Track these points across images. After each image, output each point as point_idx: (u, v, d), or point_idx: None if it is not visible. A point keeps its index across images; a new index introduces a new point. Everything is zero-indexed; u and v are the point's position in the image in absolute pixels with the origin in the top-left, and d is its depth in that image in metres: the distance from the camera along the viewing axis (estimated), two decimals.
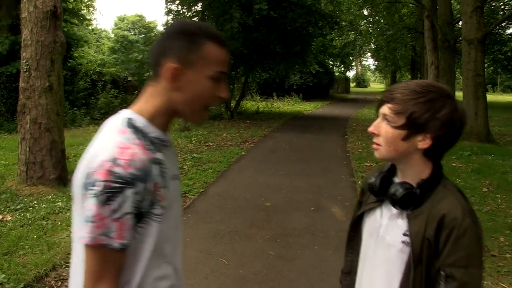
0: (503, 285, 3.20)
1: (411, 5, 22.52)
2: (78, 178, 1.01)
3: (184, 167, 7.04)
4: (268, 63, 16.09)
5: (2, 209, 4.57)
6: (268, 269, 3.49)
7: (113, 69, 16.61)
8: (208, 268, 3.40)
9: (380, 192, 1.19)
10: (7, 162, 6.64)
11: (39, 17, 5.21)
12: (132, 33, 35.95)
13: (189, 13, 15.33)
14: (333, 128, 13.72)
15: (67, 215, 4.41)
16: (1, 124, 10.79)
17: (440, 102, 1.09)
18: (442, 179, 1.15)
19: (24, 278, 3.08)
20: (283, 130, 12.83)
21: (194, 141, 9.74)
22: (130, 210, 0.94)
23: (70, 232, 3.94)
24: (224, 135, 10.80)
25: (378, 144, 1.16)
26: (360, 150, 9.05)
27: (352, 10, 23.15)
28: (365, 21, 28.69)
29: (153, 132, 1.05)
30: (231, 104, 15.68)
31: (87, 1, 21.65)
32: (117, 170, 0.92)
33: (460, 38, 11.43)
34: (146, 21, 37.90)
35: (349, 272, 1.36)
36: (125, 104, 14.82)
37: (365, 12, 26.16)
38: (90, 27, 28.66)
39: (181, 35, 1.03)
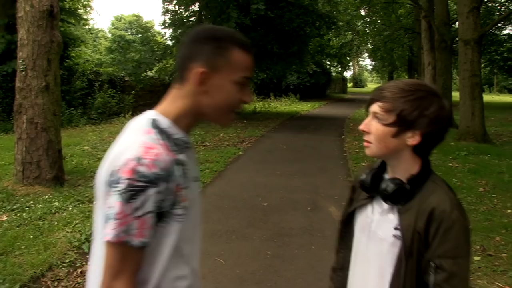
0: (499, 284, 3.21)
1: (408, 5, 22.60)
2: (101, 176, 1.04)
3: None
4: (266, 63, 16.09)
5: None
6: (265, 268, 3.49)
7: (110, 69, 16.55)
8: (206, 268, 3.39)
9: (371, 188, 1.23)
10: (3, 162, 6.61)
11: (36, 16, 5.19)
12: (129, 33, 35.94)
13: (186, 13, 15.33)
14: (330, 128, 13.73)
15: (63, 215, 4.40)
16: None
17: (427, 100, 1.14)
18: (431, 174, 1.19)
19: (20, 279, 3.07)
20: (280, 130, 12.84)
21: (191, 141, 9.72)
22: (152, 209, 0.96)
23: (66, 232, 3.95)
24: (221, 135, 10.79)
25: (369, 142, 1.19)
26: (357, 150, 9.06)
27: (349, 10, 23.22)
28: (362, 21, 28.79)
29: (177, 133, 1.07)
30: None
31: (84, 1, 21.58)
32: (141, 169, 0.95)
33: (457, 39, 11.47)
34: (143, 21, 37.87)
35: (342, 268, 1.39)
36: (122, 104, 14.82)
37: (362, 12, 26.23)
38: (87, 27, 28.61)
39: (209, 40, 1.06)
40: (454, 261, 1.07)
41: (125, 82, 15.89)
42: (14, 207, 4.59)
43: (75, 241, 3.74)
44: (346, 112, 19.61)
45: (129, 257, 0.97)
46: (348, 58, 39.62)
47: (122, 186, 0.94)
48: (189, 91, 1.07)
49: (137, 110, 15.26)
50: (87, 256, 3.57)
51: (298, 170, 7.18)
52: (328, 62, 35.02)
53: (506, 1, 21.81)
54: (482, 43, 12.28)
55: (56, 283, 3.14)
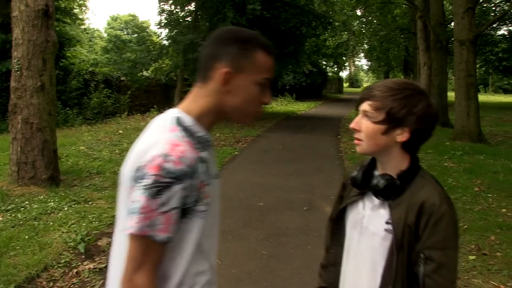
0: (494, 283, 3.23)
1: (403, 5, 22.68)
2: (126, 171, 1.06)
3: None
4: None
5: None
6: (261, 268, 3.49)
7: (106, 69, 16.50)
8: None
9: (363, 184, 1.27)
10: None
11: (31, 16, 5.17)
12: (125, 33, 35.86)
13: (183, 13, 15.31)
14: (326, 128, 13.76)
15: (59, 215, 4.38)
16: None
17: (415, 98, 1.18)
18: (420, 170, 1.23)
19: (15, 280, 3.05)
20: (276, 130, 12.85)
21: None
22: (177, 205, 0.99)
23: (62, 232, 3.93)
24: (217, 135, 10.78)
25: (359, 139, 1.23)
26: (353, 150, 9.07)
27: (345, 11, 23.27)
28: (358, 21, 28.86)
29: (200, 131, 1.10)
30: None
31: (80, 0, 21.52)
32: (168, 165, 0.97)
33: (452, 39, 11.52)
34: (139, 21, 37.79)
35: (334, 264, 1.42)
36: (118, 104, 14.78)
37: (358, 13, 26.31)
38: (82, 27, 28.52)
39: (235, 41, 1.09)
40: (443, 252, 1.11)
41: (121, 82, 15.85)
42: (9, 207, 4.56)
43: (70, 242, 3.72)
44: (342, 112, 19.64)
45: (151, 250, 0.99)
46: (344, 58, 39.73)
47: (148, 181, 0.96)
48: (212, 90, 1.10)
49: (133, 110, 15.26)
50: (83, 257, 3.56)
51: (294, 170, 7.19)
52: (324, 62, 35.11)
53: (501, 2, 21.93)
54: (477, 43, 12.35)
55: (51, 284, 3.12)
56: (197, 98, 1.12)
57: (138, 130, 11.12)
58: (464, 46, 9.91)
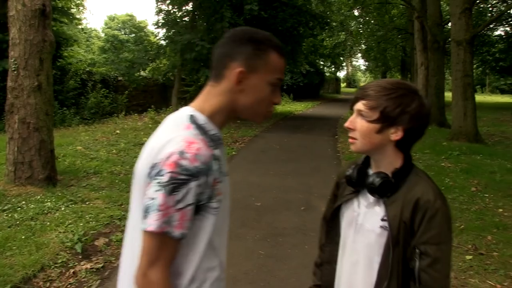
0: (490, 282, 3.24)
1: (401, 6, 22.72)
2: (140, 168, 1.08)
3: None
4: None
5: None
6: (259, 268, 3.49)
7: (103, 68, 16.48)
8: None
9: (357, 183, 1.29)
10: None
11: (28, 15, 5.15)
12: (123, 33, 35.76)
13: (180, 13, 15.30)
14: (324, 128, 13.77)
15: (56, 215, 4.37)
16: None
17: (409, 98, 1.20)
18: (413, 167, 1.26)
19: (11, 280, 3.04)
20: (273, 130, 12.85)
21: None
22: (192, 201, 1.01)
23: (59, 232, 3.92)
24: None
25: (354, 138, 1.26)
26: (350, 150, 9.09)
27: (342, 11, 23.32)
28: (355, 21, 28.91)
29: (212, 129, 1.12)
30: None
31: (77, 0, 21.46)
32: (184, 162, 0.98)
33: (449, 39, 11.55)
34: (137, 21, 37.70)
35: (329, 262, 1.43)
36: (115, 104, 14.76)
37: (356, 13, 26.35)
38: (80, 26, 28.43)
39: (249, 42, 1.11)
40: (437, 247, 1.14)
41: (118, 82, 15.83)
42: (6, 207, 4.54)
43: (67, 242, 3.71)
44: (340, 112, 19.67)
45: (167, 246, 1.01)
46: (341, 58, 39.80)
47: (164, 178, 0.97)
48: (225, 89, 1.11)
49: (130, 110, 15.24)
50: (80, 257, 3.55)
51: (291, 170, 7.20)
52: (321, 62, 35.15)
53: (497, 2, 22.00)
54: (474, 43, 12.39)
55: (48, 284, 3.11)
56: (210, 96, 1.13)
57: (136, 130, 11.11)
58: (461, 46, 9.94)
